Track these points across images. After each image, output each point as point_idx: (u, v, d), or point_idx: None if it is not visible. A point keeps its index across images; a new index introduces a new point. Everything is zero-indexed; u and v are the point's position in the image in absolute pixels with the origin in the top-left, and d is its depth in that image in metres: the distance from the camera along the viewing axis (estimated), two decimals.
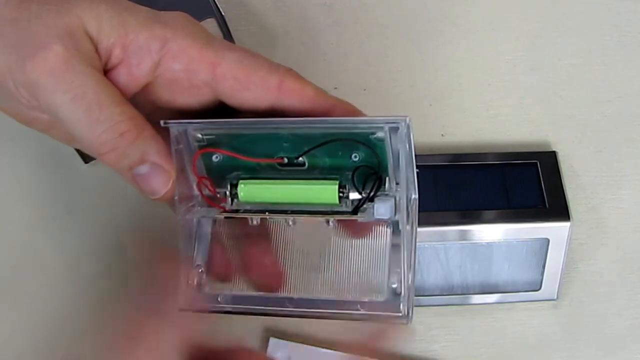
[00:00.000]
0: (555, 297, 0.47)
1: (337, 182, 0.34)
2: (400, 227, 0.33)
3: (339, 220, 0.35)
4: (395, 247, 0.34)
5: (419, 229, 0.44)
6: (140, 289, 0.44)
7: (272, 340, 0.46)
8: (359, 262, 0.35)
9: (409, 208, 0.33)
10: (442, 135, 0.50)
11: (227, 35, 0.47)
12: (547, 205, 0.46)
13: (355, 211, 0.34)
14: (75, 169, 0.48)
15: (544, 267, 0.46)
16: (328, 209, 0.34)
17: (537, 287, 0.47)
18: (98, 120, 0.32)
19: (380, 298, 0.34)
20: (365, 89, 0.50)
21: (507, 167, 0.47)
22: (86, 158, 0.47)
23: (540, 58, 0.51)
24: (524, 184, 0.47)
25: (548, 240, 0.46)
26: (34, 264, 0.48)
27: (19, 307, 0.47)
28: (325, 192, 0.34)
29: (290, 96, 0.34)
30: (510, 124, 0.50)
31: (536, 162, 0.47)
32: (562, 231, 0.45)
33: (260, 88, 0.34)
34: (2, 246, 0.48)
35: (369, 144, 0.33)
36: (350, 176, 0.34)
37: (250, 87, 0.34)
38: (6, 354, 0.47)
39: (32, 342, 0.47)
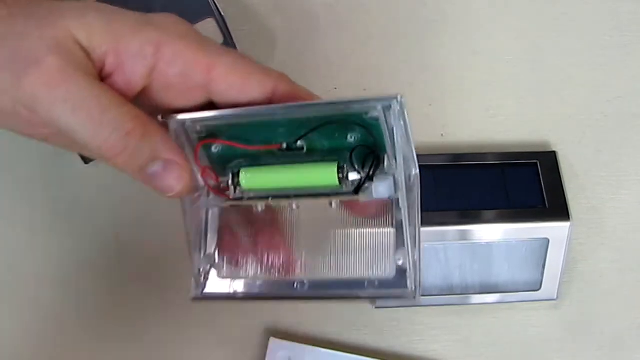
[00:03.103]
0: (555, 297, 0.47)
1: (336, 163, 0.33)
2: (401, 204, 0.33)
3: (342, 201, 0.35)
4: (400, 224, 0.34)
5: None
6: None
7: (273, 340, 0.46)
8: (365, 241, 0.35)
9: (409, 184, 0.33)
10: (442, 135, 0.50)
11: (227, 35, 0.47)
12: (547, 205, 0.46)
13: (356, 191, 0.34)
14: (75, 169, 0.48)
15: (543, 267, 0.46)
16: (330, 190, 0.34)
17: (537, 287, 0.47)
18: (102, 124, 0.32)
19: (387, 276, 0.34)
20: (365, 89, 0.50)
21: (507, 167, 0.47)
22: (86, 158, 0.47)
23: (540, 58, 0.51)
24: (524, 184, 0.47)
25: (548, 240, 0.46)
26: (34, 264, 0.48)
27: (19, 307, 0.47)
28: (325, 174, 0.33)
29: (284, 101, 0.34)
30: (510, 124, 0.50)
31: (536, 162, 0.47)
32: (562, 231, 0.45)
33: (254, 92, 0.34)
34: (2, 246, 0.48)
35: (363, 124, 0.33)
36: (348, 157, 0.34)
37: (244, 91, 0.34)
38: (6, 354, 0.47)
39: (31, 342, 0.47)
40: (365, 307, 0.48)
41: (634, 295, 0.49)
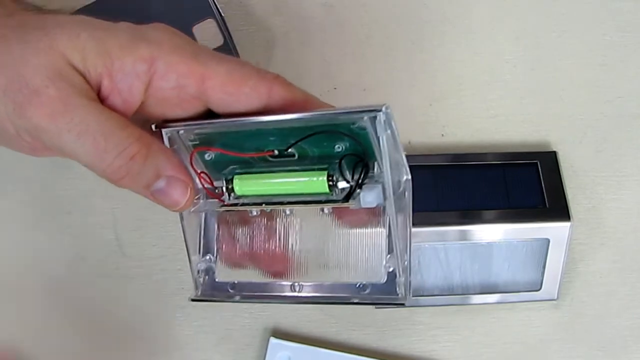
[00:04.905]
0: (556, 297, 0.47)
1: (326, 172, 0.34)
2: (389, 212, 0.34)
3: (334, 208, 0.35)
4: (391, 230, 0.34)
5: (419, 229, 0.44)
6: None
7: (273, 340, 0.46)
8: (357, 246, 0.36)
9: (399, 191, 0.34)
10: (442, 135, 0.50)
11: (227, 35, 0.47)
12: (547, 205, 0.46)
13: (347, 198, 0.34)
14: (75, 169, 0.48)
15: (544, 267, 0.46)
16: (321, 197, 0.35)
17: (537, 287, 0.47)
18: (106, 149, 0.32)
19: (378, 281, 0.35)
20: (365, 89, 0.50)
21: (507, 167, 0.47)
22: None
23: (540, 58, 0.51)
24: (524, 184, 0.47)
25: (548, 240, 0.46)
26: (34, 264, 0.48)
27: (19, 306, 0.47)
28: (315, 182, 0.34)
29: (280, 103, 0.34)
30: (511, 124, 0.50)
31: (536, 162, 0.47)
32: (562, 231, 0.45)
33: (250, 98, 0.34)
34: (2, 246, 0.48)
35: (351, 134, 0.33)
36: (337, 165, 0.34)
37: (239, 100, 0.34)
38: (6, 353, 0.47)
39: (31, 341, 0.47)
40: (365, 307, 0.48)
41: (634, 295, 0.49)
